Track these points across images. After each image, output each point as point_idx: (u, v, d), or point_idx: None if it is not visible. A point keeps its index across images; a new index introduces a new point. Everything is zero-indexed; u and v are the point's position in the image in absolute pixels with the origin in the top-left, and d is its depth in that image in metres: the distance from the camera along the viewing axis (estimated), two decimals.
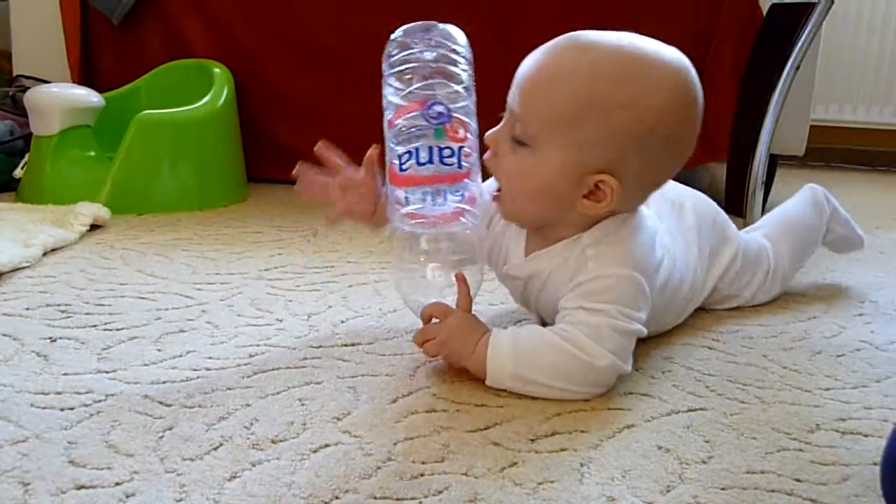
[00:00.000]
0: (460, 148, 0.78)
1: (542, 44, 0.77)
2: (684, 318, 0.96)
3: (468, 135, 0.79)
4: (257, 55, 1.88)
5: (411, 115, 0.77)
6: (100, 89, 1.70)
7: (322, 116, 1.90)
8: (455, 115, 0.77)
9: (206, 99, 1.70)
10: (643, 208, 0.83)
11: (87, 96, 1.63)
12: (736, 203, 1.60)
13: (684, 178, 1.86)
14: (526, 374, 0.74)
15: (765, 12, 1.67)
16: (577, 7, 1.74)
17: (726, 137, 1.69)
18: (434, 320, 0.78)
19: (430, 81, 0.77)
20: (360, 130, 1.88)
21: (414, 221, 0.78)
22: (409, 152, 0.76)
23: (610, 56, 0.74)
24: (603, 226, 0.79)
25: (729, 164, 1.69)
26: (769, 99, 1.54)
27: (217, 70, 1.78)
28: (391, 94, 0.78)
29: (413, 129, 0.76)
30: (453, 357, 0.78)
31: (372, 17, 1.83)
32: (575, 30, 0.77)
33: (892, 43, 2.71)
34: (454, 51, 0.78)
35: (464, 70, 0.78)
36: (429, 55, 0.77)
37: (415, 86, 0.77)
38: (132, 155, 1.56)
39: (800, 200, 1.15)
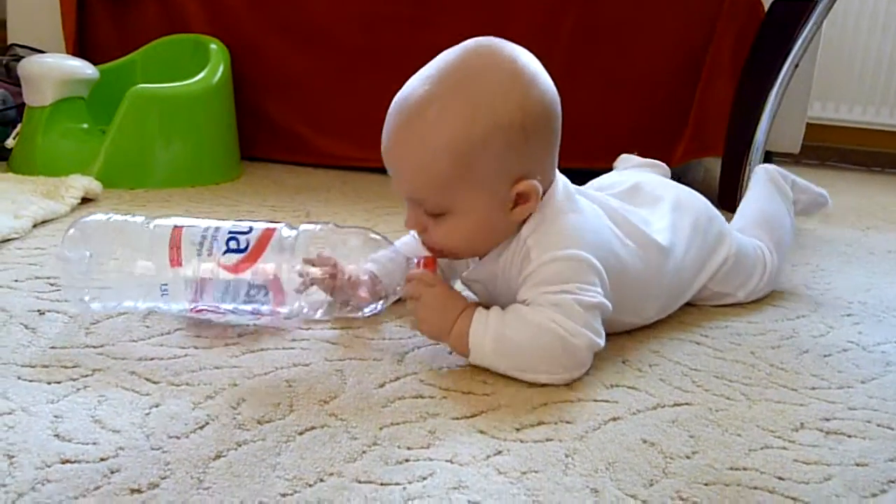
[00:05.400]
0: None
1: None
2: (669, 314, 0.96)
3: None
4: (255, 33, 1.86)
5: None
6: (94, 61, 1.69)
7: (317, 97, 1.89)
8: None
9: (201, 75, 1.69)
10: (581, 202, 0.83)
11: (82, 68, 1.61)
12: (729, 198, 1.61)
13: (679, 172, 1.88)
14: (507, 350, 0.75)
15: (766, 9, 1.67)
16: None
17: (722, 132, 1.69)
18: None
19: None
20: (354, 111, 1.90)
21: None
22: None
23: (449, 92, 0.74)
24: (537, 214, 0.80)
25: (724, 160, 1.69)
26: (767, 95, 1.54)
27: (214, 46, 1.77)
28: None
29: None
30: (433, 335, 0.79)
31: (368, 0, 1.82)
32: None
33: (892, 44, 2.71)
34: None
35: None
36: None
37: None
38: (125, 129, 1.55)
39: (762, 187, 1.16)
